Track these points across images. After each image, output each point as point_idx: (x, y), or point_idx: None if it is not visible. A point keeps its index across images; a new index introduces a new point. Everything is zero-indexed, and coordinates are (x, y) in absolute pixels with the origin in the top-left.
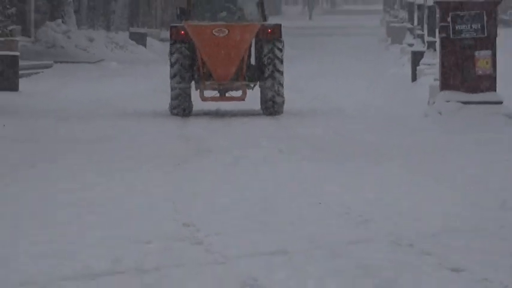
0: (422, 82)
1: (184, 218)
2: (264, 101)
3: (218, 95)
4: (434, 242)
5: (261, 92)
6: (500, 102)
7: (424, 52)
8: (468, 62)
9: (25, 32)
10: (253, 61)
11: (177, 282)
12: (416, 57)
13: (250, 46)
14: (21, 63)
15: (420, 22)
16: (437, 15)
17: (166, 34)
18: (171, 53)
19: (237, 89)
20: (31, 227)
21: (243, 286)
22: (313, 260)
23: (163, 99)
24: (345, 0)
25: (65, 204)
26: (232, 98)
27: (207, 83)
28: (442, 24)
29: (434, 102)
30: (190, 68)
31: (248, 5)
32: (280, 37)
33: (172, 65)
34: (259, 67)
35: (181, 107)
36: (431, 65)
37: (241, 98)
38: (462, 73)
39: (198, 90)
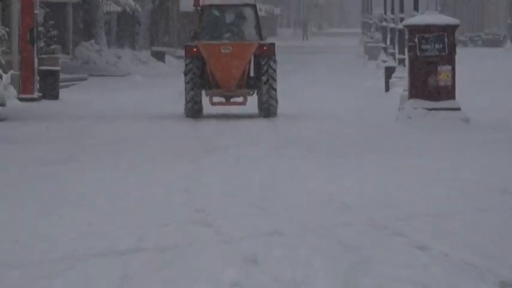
0: (394, 92)
1: (196, 204)
2: (260, 105)
3: (224, 100)
4: (405, 225)
5: (258, 97)
6: (459, 109)
7: (395, 67)
8: (432, 75)
9: (65, 51)
10: (252, 73)
11: (191, 258)
12: (389, 72)
13: (250, 61)
14: (61, 76)
15: (392, 42)
16: (406, 37)
17: (181, 52)
18: (186, 66)
19: (239, 96)
20: (70, 211)
21: (245, 261)
22: (303, 240)
23: (179, 105)
24: (330, 24)
25: (99, 192)
26: (235, 103)
27: (215, 90)
28: (410, 44)
29: (404, 109)
30: (201, 78)
31: (248, 27)
32: (274, 53)
33: (186, 76)
34: (257, 77)
35: (193, 110)
36: (402, 78)
37: (243, 103)
38: (427, 84)
39: (208, 96)
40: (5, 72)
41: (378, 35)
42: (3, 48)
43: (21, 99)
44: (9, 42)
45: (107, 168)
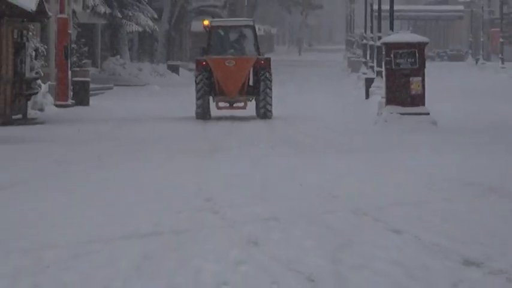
0: (373, 99)
1: (205, 195)
2: (258, 109)
3: (228, 105)
4: (382, 212)
5: (256, 103)
6: (428, 114)
7: (374, 78)
8: (405, 85)
9: (94, 64)
10: (251, 82)
11: (201, 241)
12: (369, 82)
13: (250, 72)
14: (91, 86)
15: (371, 57)
16: (383, 53)
17: (192, 66)
18: (196, 77)
19: (240, 101)
20: (97, 201)
21: (247, 243)
22: (296, 225)
23: (190, 110)
24: (319, 42)
25: (121, 185)
26: (237, 107)
27: (221, 97)
28: (387, 59)
29: (381, 113)
30: (209, 87)
31: (248, 44)
32: (270, 66)
33: (197, 84)
34: (256, 86)
35: (203, 114)
36: (379, 87)
37: (244, 107)
38: (401, 93)
39: (215, 102)
40: (44, 83)
41: (359, 51)
42: (42, 62)
43: (57, 106)
44: (47, 57)
45: (129, 164)
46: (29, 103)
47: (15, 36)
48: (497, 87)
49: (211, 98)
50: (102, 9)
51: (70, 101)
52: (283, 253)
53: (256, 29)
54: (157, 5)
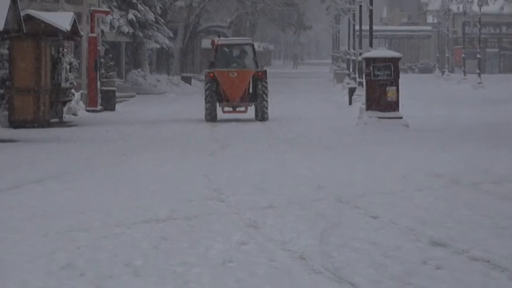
0: (355, 105)
1: (213, 186)
2: (256, 112)
3: (231, 109)
4: (362, 200)
5: (255, 108)
6: (401, 117)
7: (356, 88)
8: (382, 94)
9: (119, 76)
10: (251, 90)
11: (209, 224)
12: (351, 91)
13: (249, 82)
14: (117, 94)
15: (353, 70)
16: (364, 66)
17: (202, 77)
18: (205, 86)
19: (242, 106)
20: (122, 191)
21: (248, 226)
22: (289, 211)
23: (201, 114)
24: (309, 56)
25: (142, 177)
26: (239, 111)
27: (225, 102)
28: (367, 71)
29: (362, 117)
30: (215, 94)
31: (248, 59)
32: (266, 77)
33: (206, 92)
34: (254, 93)
35: (211, 116)
36: (360, 95)
37: (245, 111)
38: (378, 100)
39: (221, 107)
40: (77, 91)
41: (343, 65)
42: (76, 74)
43: (88, 111)
44: (79, 70)
45: (149, 159)
46: (65, 109)
47: (53, 52)
48: (460, 95)
49: (217, 104)
50: (126, 29)
51: (99, 107)
52: (279, 235)
53: (256, 46)
54: (173, 26)
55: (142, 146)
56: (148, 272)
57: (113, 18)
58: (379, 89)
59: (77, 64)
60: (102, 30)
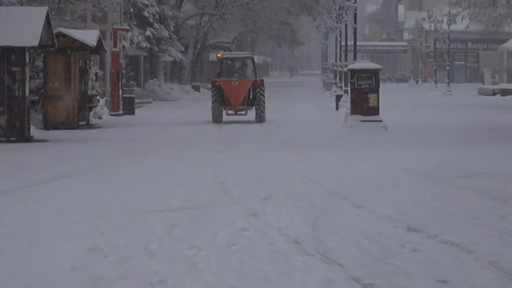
0: (341, 110)
1: (219, 180)
2: (255, 115)
3: (234, 112)
4: (348, 192)
5: (255, 111)
6: (381, 121)
7: (342, 95)
8: (365, 100)
9: (138, 84)
10: (251, 96)
11: (216, 213)
12: (338, 98)
13: (249, 89)
14: (136, 100)
15: (340, 79)
16: (349, 76)
17: (209, 85)
18: (212, 93)
19: (243, 110)
20: (140, 184)
21: (249, 215)
22: (285, 202)
23: (208, 116)
24: (301, 68)
25: (158, 172)
26: (241, 114)
27: (228, 106)
28: (351, 80)
29: (347, 121)
30: (221, 99)
31: (248, 70)
32: (263, 85)
33: (212, 98)
34: (254, 99)
35: (217, 118)
36: (346, 101)
37: (245, 114)
38: (362, 106)
39: (225, 110)
40: (102, 98)
41: (331, 75)
42: (101, 83)
43: (111, 115)
44: (104, 80)
45: (164, 157)
46: (91, 113)
47: (81, 64)
48: (432, 101)
49: (222, 108)
50: (144, 44)
51: (120, 112)
52: (276, 222)
53: (255, 59)
54: (184, 42)
55: (158, 145)
56: (162, 254)
57: (133, 35)
58: (362, 96)
59: (102, 75)
60: (123, 46)
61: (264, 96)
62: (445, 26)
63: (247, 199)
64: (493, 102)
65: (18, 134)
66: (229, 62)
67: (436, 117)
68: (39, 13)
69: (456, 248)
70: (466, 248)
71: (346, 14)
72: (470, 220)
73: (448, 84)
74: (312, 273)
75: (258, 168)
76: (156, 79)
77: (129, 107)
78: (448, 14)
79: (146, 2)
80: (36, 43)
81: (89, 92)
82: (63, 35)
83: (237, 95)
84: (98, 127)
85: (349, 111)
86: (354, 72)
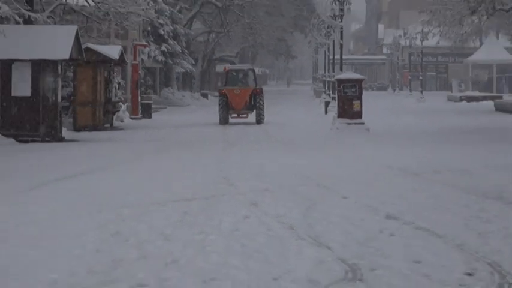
0: (329, 115)
1: (224, 174)
2: (255, 118)
3: (237, 115)
4: (336, 185)
5: (255, 114)
6: (363, 123)
7: (330, 101)
8: (350, 105)
9: (155, 92)
10: (252, 102)
11: (222, 203)
12: (327, 104)
13: (250, 96)
14: (153, 106)
15: (328, 88)
16: (336, 85)
17: (216, 93)
18: (219, 99)
19: (244, 114)
20: (157, 178)
21: (251, 204)
22: (281, 194)
23: (214, 119)
24: (295, 78)
25: (172, 168)
26: (242, 117)
27: (232, 111)
28: (338, 89)
29: (335, 123)
30: (226, 105)
31: (249, 80)
32: (262, 92)
33: (219, 104)
34: (254, 104)
35: (223, 120)
36: (333, 107)
37: (246, 117)
38: (347, 110)
39: (229, 114)
40: (123, 104)
41: (321, 84)
42: (122, 91)
43: (131, 118)
44: (125, 88)
45: (177, 155)
46: (114, 117)
47: (106, 75)
48: (407, 107)
49: (227, 112)
50: (160, 58)
51: (139, 116)
52: (274, 211)
53: (256, 71)
54: (194, 55)
55: (172, 144)
56: (175, 238)
57: (150, 50)
58: (348, 102)
59: (123, 84)
60: (142, 59)
61: (262, 102)
62: (418, 42)
63: (249, 191)
64: (460, 108)
65: (52, 135)
66: (234, 73)
67: (412, 121)
68: (70, 31)
69: (428, 233)
70: (437, 233)
71: (333, 31)
72: (440, 209)
73: (421, 92)
74: (305, 254)
75: (258, 164)
76: (170, 87)
77: (147, 112)
78: (421, 31)
79: (162, 22)
80: (67, 56)
81: (113, 99)
82: (90, 49)
83: (240, 101)
84: (120, 129)
85: (336, 115)
86: (340, 81)
